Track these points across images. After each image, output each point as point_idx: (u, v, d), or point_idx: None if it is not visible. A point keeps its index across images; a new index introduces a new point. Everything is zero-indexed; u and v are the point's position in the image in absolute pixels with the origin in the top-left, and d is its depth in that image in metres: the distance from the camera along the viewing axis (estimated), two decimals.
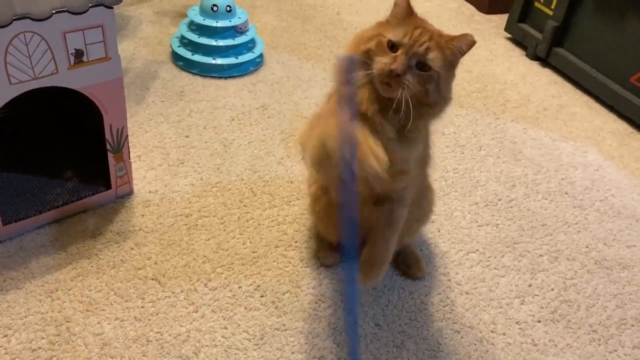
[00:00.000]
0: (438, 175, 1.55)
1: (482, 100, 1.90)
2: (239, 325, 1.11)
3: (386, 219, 1.06)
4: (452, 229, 1.39)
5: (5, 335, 1.04)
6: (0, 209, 1.18)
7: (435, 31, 0.95)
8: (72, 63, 1.11)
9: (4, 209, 1.20)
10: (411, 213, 1.11)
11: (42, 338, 1.04)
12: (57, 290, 1.13)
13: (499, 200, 1.50)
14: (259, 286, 1.19)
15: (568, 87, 2.03)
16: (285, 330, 1.11)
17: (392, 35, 0.92)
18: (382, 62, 0.92)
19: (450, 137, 1.71)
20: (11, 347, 1.02)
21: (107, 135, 1.24)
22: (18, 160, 1.35)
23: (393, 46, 0.93)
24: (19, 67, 1.05)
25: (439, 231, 1.38)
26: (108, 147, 1.26)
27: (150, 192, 1.38)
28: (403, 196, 1.06)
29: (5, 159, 1.35)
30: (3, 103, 1.06)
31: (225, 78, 1.84)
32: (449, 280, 1.26)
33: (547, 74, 2.10)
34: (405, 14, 0.96)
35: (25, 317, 1.07)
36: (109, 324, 1.08)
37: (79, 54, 1.12)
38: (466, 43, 0.94)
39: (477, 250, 1.35)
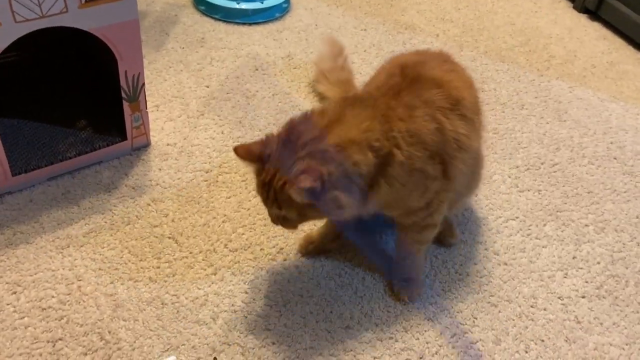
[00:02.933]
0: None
1: (525, 55, 1.76)
2: (260, 290, 1.04)
3: (403, 240, 1.04)
4: (490, 194, 1.29)
5: (14, 292, 0.98)
6: (10, 158, 1.11)
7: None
8: (83, 1, 1.01)
9: (13, 158, 1.13)
10: (459, 185, 1.02)
11: (53, 297, 0.99)
12: (68, 247, 1.06)
13: (542, 164, 1.39)
14: (282, 249, 1.11)
15: (619, 42, 1.87)
16: (309, 297, 1.04)
17: None
18: None
19: (490, 94, 1.59)
20: (20, 304, 0.97)
21: (123, 83, 1.15)
22: (28, 108, 1.27)
23: None
24: (24, 3, 0.95)
25: (476, 196, 1.28)
26: (123, 95, 1.17)
27: (168, 144, 1.30)
28: (429, 223, 0.99)
29: (14, 106, 1.27)
30: (8, 43, 0.97)
31: (250, 24, 1.72)
32: (486, 249, 1.17)
33: (596, 28, 1.93)
34: None
35: (35, 273, 1.02)
36: (122, 284, 1.02)
37: None
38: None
39: (517, 217, 1.25)
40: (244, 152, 0.89)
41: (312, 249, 1.11)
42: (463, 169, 0.97)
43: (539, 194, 1.31)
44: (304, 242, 1.11)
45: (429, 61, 1.00)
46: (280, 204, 0.88)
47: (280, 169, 0.85)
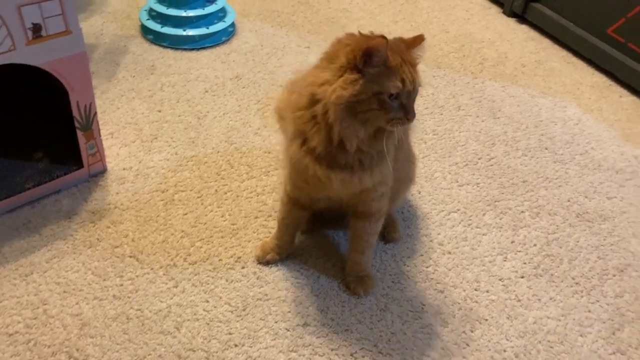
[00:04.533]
0: (417, 138, 1.53)
1: (460, 60, 1.87)
2: (220, 298, 1.10)
3: (360, 234, 1.10)
4: (432, 190, 1.38)
5: None
6: None
7: (409, 58, 0.93)
8: (30, 38, 1.07)
9: None
10: (396, 180, 1.10)
11: (19, 322, 1.02)
12: (32, 274, 1.10)
13: (479, 159, 1.49)
14: (239, 258, 1.18)
15: (546, 42, 2.01)
16: (267, 299, 1.10)
17: (393, 88, 0.90)
18: (396, 117, 0.92)
19: (428, 98, 1.69)
20: None
21: (75, 113, 1.20)
22: None
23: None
24: None
25: (419, 193, 1.37)
26: (77, 124, 1.22)
27: (124, 169, 1.35)
28: (374, 210, 1.07)
29: None
30: None
31: (197, 49, 1.79)
32: (431, 241, 1.26)
33: (524, 31, 2.07)
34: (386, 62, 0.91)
35: (0, 302, 1.05)
36: (87, 304, 1.06)
37: (36, 29, 1.07)
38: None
39: (459, 210, 1.34)
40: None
41: (270, 258, 1.17)
42: (401, 165, 1.07)
43: (478, 186, 1.41)
44: (261, 252, 1.18)
45: None
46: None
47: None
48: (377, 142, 0.95)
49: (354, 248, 1.13)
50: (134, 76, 1.65)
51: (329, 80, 0.91)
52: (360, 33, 0.95)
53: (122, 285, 1.10)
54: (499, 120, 1.63)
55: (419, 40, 0.95)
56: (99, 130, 1.26)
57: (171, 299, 1.09)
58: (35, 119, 1.39)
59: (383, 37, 0.89)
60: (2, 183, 1.22)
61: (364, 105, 0.90)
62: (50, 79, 1.15)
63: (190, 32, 1.79)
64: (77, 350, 0.99)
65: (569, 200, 1.39)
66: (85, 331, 1.02)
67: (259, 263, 1.17)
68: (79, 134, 1.24)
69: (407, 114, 0.92)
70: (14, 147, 1.31)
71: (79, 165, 1.28)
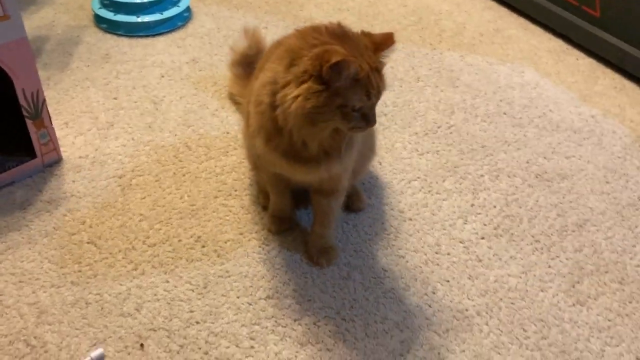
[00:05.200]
0: (378, 111, 1.52)
1: (418, 33, 1.87)
2: (181, 278, 1.09)
3: (325, 210, 1.10)
4: (393, 161, 1.38)
5: None
6: None
7: (376, 64, 0.91)
8: None
9: None
10: (359, 154, 1.10)
11: None
12: None
13: (439, 127, 1.49)
14: (199, 237, 1.17)
15: (503, 10, 2.02)
16: (229, 276, 1.10)
17: (358, 102, 0.88)
18: (357, 126, 0.91)
19: (388, 72, 1.68)
20: None
21: (22, 101, 1.18)
22: None
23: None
24: None
25: (380, 164, 1.37)
26: (25, 113, 1.20)
27: (80, 157, 1.33)
28: (339, 188, 1.08)
29: None
30: None
31: (153, 36, 1.77)
32: (392, 209, 1.26)
33: (481, 0, 2.07)
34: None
35: None
36: (44, 292, 1.05)
37: None
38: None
39: (419, 177, 1.34)
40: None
41: (283, 225, 1.18)
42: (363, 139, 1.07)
43: (438, 154, 1.41)
44: (273, 223, 1.18)
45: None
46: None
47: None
48: (339, 136, 0.94)
49: (319, 222, 1.13)
50: (88, 65, 1.62)
51: (290, 84, 0.88)
52: (326, 29, 0.91)
53: (80, 271, 1.09)
54: (458, 89, 1.63)
55: (389, 42, 0.92)
56: (50, 118, 1.24)
57: (131, 281, 1.08)
58: None
59: (352, 42, 0.87)
60: None
61: (326, 115, 0.88)
62: None
63: (145, 18, 1.76)
64: (35, 338, 0.98)
65: (527, 162, 1.40)
66: (43, 319, 1.00)
67: (274, 234, 1.17)
68: (29, 122, 1.21)
69: (368, 123, 0.91)
70: None
71: (32, 155, 1.26)
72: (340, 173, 1.03)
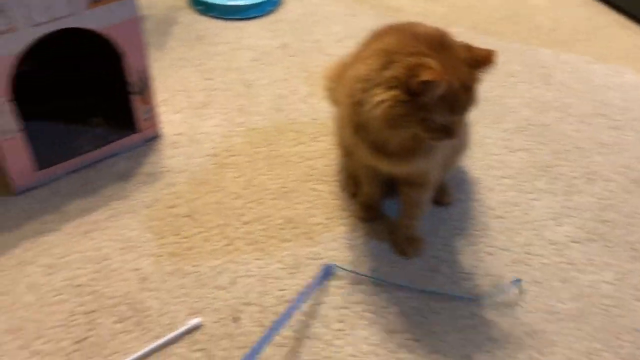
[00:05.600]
0: None
1: (512, 27, 1.83)
2: (272, 256, 1.12)
3: (412, 202, 1.10)
4: (483, 156, 1.36)
5: (49, 274, 1.07)
6: (34, 156, 1.20)
7: (469, 81, 0.90)
8: (90, 2, 1.10)
9: (37, 155, 1.22)
10: (451, 148, 1.10)
11: (83, 275, 1.07)
12: (93, 231, 1.15)
13: (531, 125, 1.46)
14: (290, 219, 1.20)
15: (600, 7, 1.94)
16: (319, 259, 1.12)
17: (440, 118, 0.89)
18: (437, 137, 0.92)
19: None
20: (55, 284, 1.06)
21: (130, 78, 1.24)
22: (47, 109, 1.36)
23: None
24: (37, 7, 1.04)
25: (470, 158, 1.35)
26: (132, 89, 1.26)
27: (176, 134, 1.38)
28: (428, 181, 1.07)
29: (36, 108, 1.36)
30: (25, 46, 1.06)
31: (245, 19, 1.81)
32: (482, 205, 1.25)
33: None
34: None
35: (66, 256, 1.10)
36: (145, 260, 1.10)
37: None
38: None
39: (510, 175, 1.32)
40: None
41: (372, 214, 1.19)
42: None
43: (529, 152, 1.38)
44: (362, 211, 1.19)
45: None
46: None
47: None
48: (421, 139, 0.94)
49: (405, 214, 1.13)
50: (183, 45, 1.68)
51: (379, 86, 0.89)
52: (426, 35, 0.90)
53: (178, 243, 1.14)
54: (552, 87, 1.59)
55: (489, 60, 0.90)
56: (153, 95, 1.30)
57: (225, 256, 1.12)
58: (93, 84, 1.43)
59: (449, 54, 0.87)
60: (63, 146, 1.27)
61: (407, 124, 0.89)
62: (106, 44, 1.18)
63: (238, 2, 1.80)
64: (138, 302, 1.03)
65: (625, 167, 1.35)
66: (145, 285, 1.06)
67: (364, 222, 1.19)
68: (135, 99, 1.27)
69: (449, 136, 0.91)
70: (72, 111, 1.36)
71: (135, 130, 1.32)
72: (426, 168, 1.03)
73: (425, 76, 0.83)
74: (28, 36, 1.06)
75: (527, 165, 1.35)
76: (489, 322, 1.03)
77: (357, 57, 1.02)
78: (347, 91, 0.98)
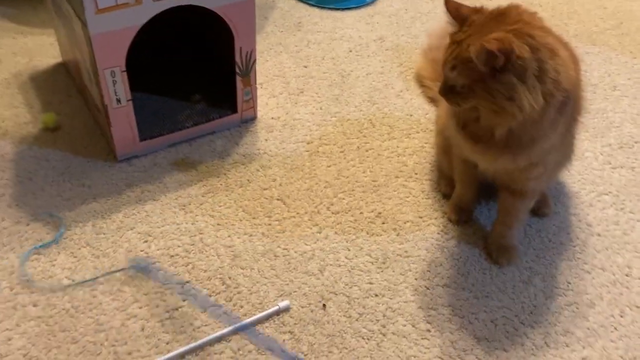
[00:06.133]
0: None
1: (617, 38, 1.75)
2: (361, 249, 1.12)
3: (509, 209, 1.08)
4: (583, 170, 1.31)
5: (146, 241, 1.11)
6: (138, 126, 1.24)
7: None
8: None
9: (141, 126, 1.26)
10: (554, 160, 1.07)
11: (178, 246, 1.11)
12: (189, 204, 1.19)
13: (636, 142, 1.39)
14: (380, 213, 1.19)
15: None
16: (407, 256, 1.11)
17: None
18: None
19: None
20: (152, 251, 1.09)
21: (237, 58, 1.26)
22: (154, 82, 1.41)
23: None
24: None
25: (569, 171, 1.30)
26: (237, 70, 1.28)
27: (272, 118, 1.40)
28: (529, 189, 1.04)
29: (142, 80, 1.41)
30: (148, 19, 1.10)
31: (342, 10, 1.81)
32: (579, 220, 1.20)
33: None
34: None
35: (163, 226, 1.14)
36: (238, 238, 1.13)
37: None
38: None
39: (610, 192, 1.26)
40: (453, 8, 0.92)
41: (464, 216, 1.17)
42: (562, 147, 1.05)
43: (633, 171, 1.32)
44: (454, 212, 1.17)
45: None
46: (457, 65, 0.89)
47: (478, 34, 0.86)
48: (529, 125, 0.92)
49: (501, 221, 1.10)
50: (281, 31, 1.70)
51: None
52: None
53: (270, 224, 1.15)
54: None
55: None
56: (255, 78, 1.32)
57: (315, 243, 1.12)
58: (198, 62, 1.47)
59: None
60: (165, 119, 1.32)
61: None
62: (215, 24, 1.20)
63: None
64: (230, 278, 1.06)
65: None
66: (237, 262, 1.08)
67: (454, 223, 1.17)
68: (238, 79, 1.30)
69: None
70: (176, 87, 1.40)
71: (234, 110, 1.35)
72: (529, 170, 1.00)
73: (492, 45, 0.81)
74: (150, 10, 1.10)
75: (629, 183, 1.29)
76: (582, 340, 0.99)
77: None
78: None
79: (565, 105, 0.93)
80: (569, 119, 1.00)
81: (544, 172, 1.04)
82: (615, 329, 1.02)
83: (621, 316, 1.03)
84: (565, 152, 1.12)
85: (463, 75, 0.89)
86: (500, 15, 0.89)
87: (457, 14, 0.92)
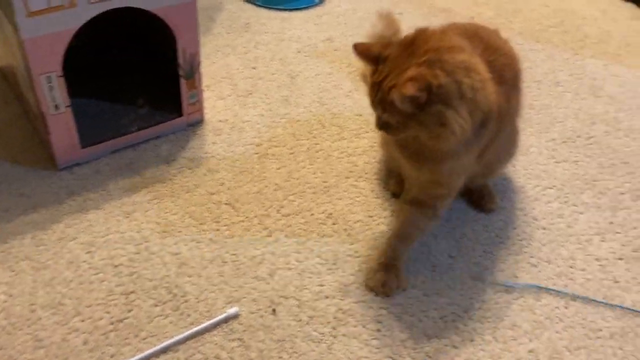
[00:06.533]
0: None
1: (560, 36, 1.79)
2: (312, 251, 1.11)
3: (403, 222, 1.06)
4: (528, 165, 1.34)
5: (89, 252, 1.08)
6: (79, 132, 1.20)
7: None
8: None
9: (82, 132, 1.22)
10: (494, 156, 1.09)
11: (123, 255, 1.07)
12: (134, 212, 1.15)
13: (578, 137, 1.43)
14: (330, 214, 1.18)
15: None
16: (358, 257, 1.11)
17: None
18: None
19: (525, 72, 1.63)
20: (95, 262, 1.06)
21: (180, 60, 1.23)
22: (94, 87, 1.37)
23: None
24: None
25: (514, 167, 1.33)
26: (181, 72, 1.25)
27: (220, 120, 1.38)
28: (435, 206, 1.04)
29: (82, 86, 1.36)
30: (83, 22, 1.06)
31: (290, 10, 1.80)
32: (525, 215, 1.22)
33: (629, 9, 1.95)
34: None
35: (106, 235, 1.11)
36: (185, 245, 1.10)
37: None
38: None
39: (555, 186, 1.29)
40: (362, 50, 0.91)
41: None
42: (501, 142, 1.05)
43: (576, 164, 1.35)
44: (396, 187, 1.20)
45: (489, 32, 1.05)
46: (385, 107, 0.89)
47: (394, 72, 0.86)
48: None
49: (395, 233, 1.07)
50: (229, 33, 1.67)
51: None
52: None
53: (218, 230, 1.13)
54: (600, 99, 1.55)
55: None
56: (201, 80, 1.29)
57: (265, 247, 1.11)
58: (139, 66, 1.43)
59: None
60: (108, 124, 1.28)
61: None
62: (158, 26, 1.17)
63: None
64: (176, 287, 1.03)
65: None
66: (184, 270, 1.06)
67: (395, 197, 1.20)
68: (182, 82, 1.27)
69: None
70: (119, 91, 1.36)
71: (179, 113, 1.32)
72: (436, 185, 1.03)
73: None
74: (86, 13, 1.06)
75: (572, 177, 1.32)
76: (529, 333, 1.01)
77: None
78: None
79: (483, 126, 0.93)
80: (491, 135, 0.99)
81: (448, 190, 1.04)
82: (561, 320, 1.04)
83: (566, 307, 1.06)
84: (506, 148, 1.14)
85: (394, 115, 0.89)
86: (410, 46, 0.89)
87: (367, 55, 0.92)
